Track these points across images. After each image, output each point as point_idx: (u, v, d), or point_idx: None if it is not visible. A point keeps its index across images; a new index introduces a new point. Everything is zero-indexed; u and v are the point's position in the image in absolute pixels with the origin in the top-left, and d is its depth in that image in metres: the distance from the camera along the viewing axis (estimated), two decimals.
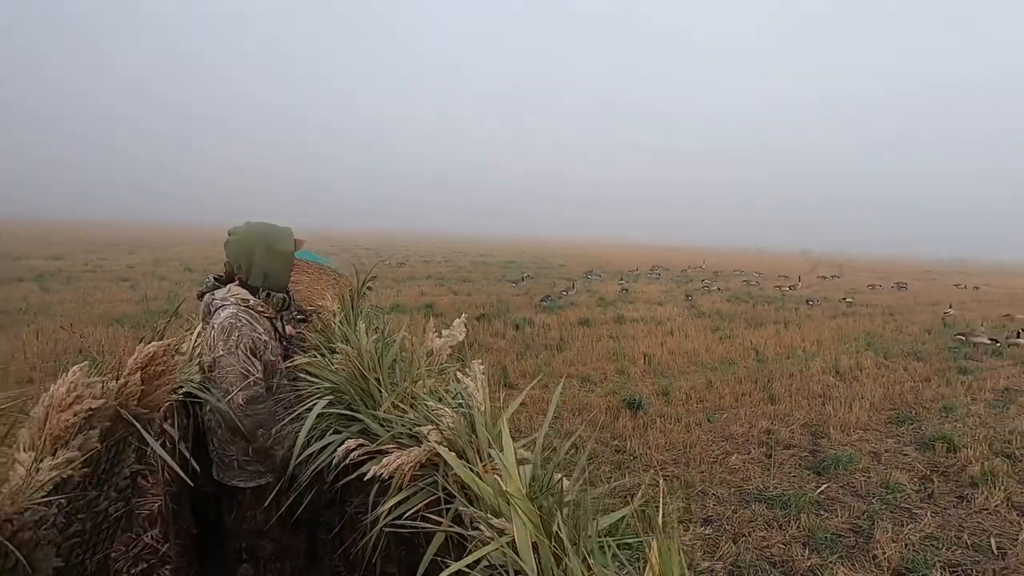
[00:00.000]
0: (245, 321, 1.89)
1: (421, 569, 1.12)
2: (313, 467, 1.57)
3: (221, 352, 1.82)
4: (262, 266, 1.96)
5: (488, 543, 0.79)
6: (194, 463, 1.87)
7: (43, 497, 1.06)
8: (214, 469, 1.99)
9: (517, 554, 0.75)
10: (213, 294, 1.99)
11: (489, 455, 1.06)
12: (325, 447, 1.60)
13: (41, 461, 1.09)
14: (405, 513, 1.28)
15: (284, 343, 2.10)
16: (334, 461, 1.42)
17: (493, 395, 1.35)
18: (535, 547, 0.76)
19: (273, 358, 1.97)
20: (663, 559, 0.64)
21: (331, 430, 1.64)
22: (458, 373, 1.40)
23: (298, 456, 1.58)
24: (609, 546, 0.75)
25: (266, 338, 1.94)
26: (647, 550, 0.65)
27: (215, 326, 1.86)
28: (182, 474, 1.49)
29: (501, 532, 0.78)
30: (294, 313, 3.42)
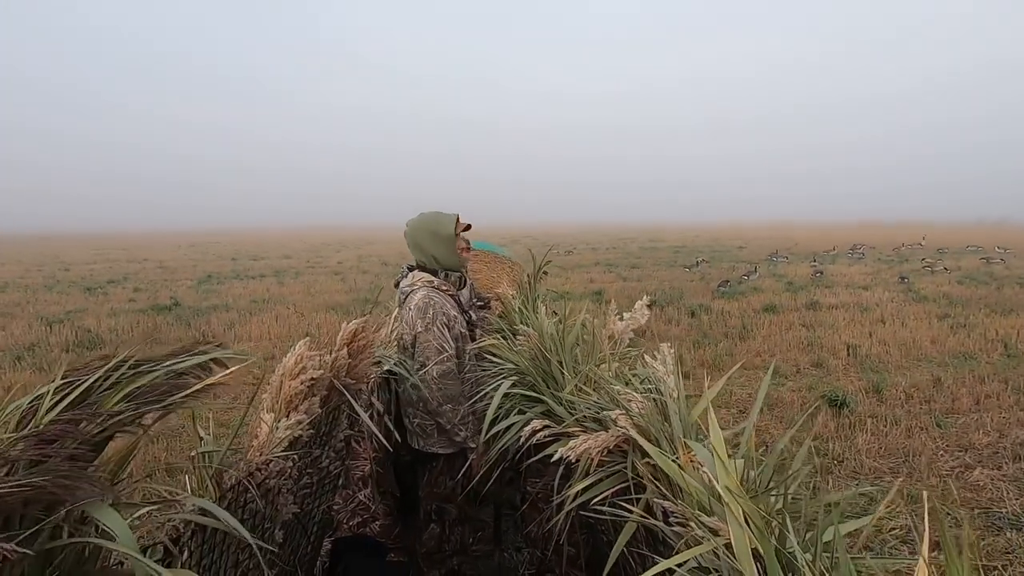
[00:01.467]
0: (437, 299, 2.06)
1: (612, 557, 1.06)
2: (500, 445, 1.61)
3: (420, 328, 2.00)
4: (429, 250, 2.14)
5: (696, 542, 0.70)
6: (396, 434, 2.06)
7: (282, 452, 1.22)
8: (412, 438, 2.18)
9: (734, 559, 0.65)
10: (403, 282, 2.22)
11: (686, 445, 0.96)
12: (510, 426, 1.63)
13: (279, 421, 1.26)
14: (593, 499, 1.23)
15: (467, 317, 2.25)
16: (520, 440, 1.43)
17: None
18: (755, 553, 0.65)
19: (463, 330, 2.14)
20: None
21: (515, 410, 1.66)
22: (645, 356, 1.30)
23: (486, 433, 1.63)
24: (859, 568, 0.60)
25: (455, 312, 2.11)
26: None
27: (411, 307, 2.05)
28: (384, 441, 1.63)
29: (714, 532, 0.69)
30: (474, 300, 3.60)
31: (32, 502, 0.59)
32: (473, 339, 2.23)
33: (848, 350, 6.79)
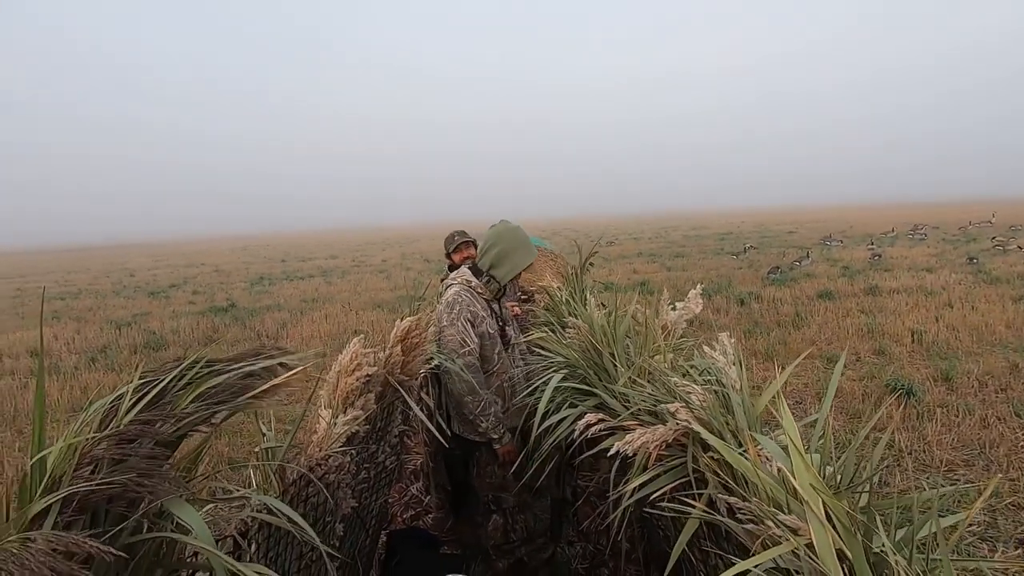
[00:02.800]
0: (466, 297, 2.14)
1: (675, 554, 1.03)
2: (552, 439, 1.59)
3: (445, 323, 2.08)
4: (492, 260, 2.21)
5: (772, 541, 0.67)
6: (447, 428, 2.08)
7: (340, 447, 1.25)
8: (454, 424, 2.22)
9: (817, 559, 0.61)
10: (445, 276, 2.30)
11: (753, 438, 0.91)
12: (561, 420, 1.61)
13: (336, 417, 1.29)
14: (651, 495, 1.20)
15: (499, 323, 2.29)
16: (574, 434, 1.41)
17: None
18: (839, 554, 0.61)
19: (491, 331, 2.18)
20: None
21: (566, 403, 1.64)
22: (704, 347, 1.26)
23: (538, 427, 1.62)
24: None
25: (483, 313, 2.16)
26: None
27: (443, 302, 2.15)
28: (437, 435, 1.64)
29: (793, 531, 0.65)
30: (518, 294, 3.58)
31: (116, 499, 0.61)
32: (504, 341, 2.27)
33: (912, 336, 6.44)
